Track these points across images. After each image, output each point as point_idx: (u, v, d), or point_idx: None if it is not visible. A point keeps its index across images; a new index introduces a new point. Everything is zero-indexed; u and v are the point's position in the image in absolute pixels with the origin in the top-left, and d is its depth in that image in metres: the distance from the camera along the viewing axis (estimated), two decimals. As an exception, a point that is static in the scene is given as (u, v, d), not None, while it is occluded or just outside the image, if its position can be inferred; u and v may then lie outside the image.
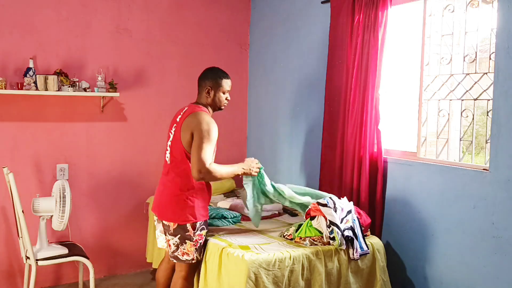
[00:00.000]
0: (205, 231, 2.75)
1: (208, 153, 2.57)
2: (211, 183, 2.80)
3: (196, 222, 2.68)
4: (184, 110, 2.76)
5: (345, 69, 3.27)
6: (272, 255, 2.53)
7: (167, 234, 2.73)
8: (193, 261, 2.72)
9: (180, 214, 2.66)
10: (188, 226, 2.67)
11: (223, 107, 2.85)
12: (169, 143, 2.76)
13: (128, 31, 3.99)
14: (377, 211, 3.11)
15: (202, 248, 2.75)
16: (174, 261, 2.75)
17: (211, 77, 2.78)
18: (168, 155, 2.76)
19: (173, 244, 2.70)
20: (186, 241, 2.68)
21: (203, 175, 2.54)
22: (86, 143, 3.89)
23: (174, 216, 2.67)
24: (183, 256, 2.70)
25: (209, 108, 2.80)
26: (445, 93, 2.92)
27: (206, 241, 2.79)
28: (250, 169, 2.78)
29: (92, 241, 3.95)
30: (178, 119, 2.74)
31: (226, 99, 2.82)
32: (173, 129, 2.75)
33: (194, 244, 2.69)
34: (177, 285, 2.77)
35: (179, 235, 2.68)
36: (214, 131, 2.63)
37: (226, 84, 2.80)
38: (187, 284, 2.77)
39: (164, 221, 2.73)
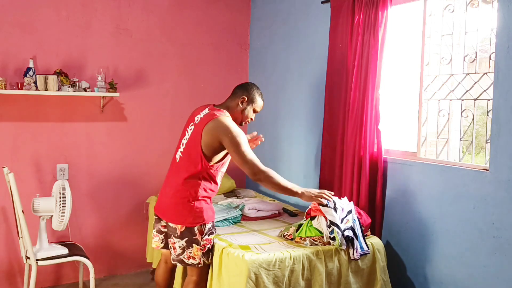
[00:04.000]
0: (214, 235, 2.69)
1: (250, 153, 2.51)
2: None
3: (205, 225, 2.61)
4: (204, 112, 2.66)
5: (345, 69, 3.27)
6: (273, 255, 2.53)
7: (172, 236, 2.63)
8: (200, 265, 2.63)
9: (188, 216, 2.57)
10: (196, 229, 2.58)
11: (243, 123, 2.78)
12: (184, 141, 2.66)
13: (128, 31, 3.99)
14: (377, 211, 3.11)
15: (209, 252, 2.66)
16: (178, 264, 2.68)
17: (254, 91, 2.74)
18: (180, 153, 2.67)
19: (179, 247, 2.61)
20: (193, 244, 2.59)
21: (258, 176, 2.49)
22: (86, 143, 3.89)
23: (182, 218, 2.58)
24: (189, 259, 2.62)
25: (230, 115, 2.69)
26: (445, 93, 2.92)
27: (213, 245, 2.70)
28: (321, 195, 2.65)
29: (92, 241, 3.95)
30: (197, 120, 2.65)
31: (250, 118, 2.78)
32: (190, 128, 2.65)
33: (201, 249, 2.60)
34: None
35: (186, 238, 2.59)
36: (241, 132, 2.56)
37: (260, 105, 2.78)
38: None
39: (170, 223, 2.63)
